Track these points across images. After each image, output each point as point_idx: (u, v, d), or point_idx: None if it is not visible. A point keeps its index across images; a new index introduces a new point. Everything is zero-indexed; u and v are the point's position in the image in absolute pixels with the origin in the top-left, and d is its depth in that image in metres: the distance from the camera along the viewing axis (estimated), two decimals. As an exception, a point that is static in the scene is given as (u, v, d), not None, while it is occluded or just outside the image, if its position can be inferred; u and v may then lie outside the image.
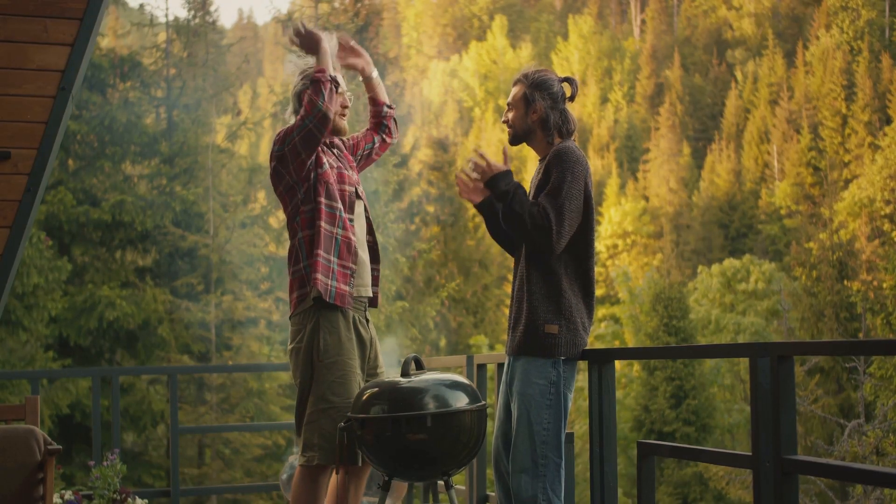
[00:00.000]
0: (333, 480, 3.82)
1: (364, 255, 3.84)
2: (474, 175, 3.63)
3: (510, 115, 3.67)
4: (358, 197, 3.86)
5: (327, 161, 3.76)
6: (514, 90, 3.67)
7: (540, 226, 3.42)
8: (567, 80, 3.67)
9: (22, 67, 4.08)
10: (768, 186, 48.25)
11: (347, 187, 3.78)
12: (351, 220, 3.76)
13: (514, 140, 3.71)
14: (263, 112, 18.66)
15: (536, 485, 3.47)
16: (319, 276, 3.62)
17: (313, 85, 3.60)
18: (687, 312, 28.77)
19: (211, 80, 16.80)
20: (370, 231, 3.91)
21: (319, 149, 3.75)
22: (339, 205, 3.71)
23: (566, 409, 3.56)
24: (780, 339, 28.41)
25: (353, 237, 3.74)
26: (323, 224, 3.65)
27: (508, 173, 3.55)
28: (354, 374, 3.68)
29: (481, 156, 3.57)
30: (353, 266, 3.73)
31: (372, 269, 3.90)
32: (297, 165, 3.66)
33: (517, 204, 3.48)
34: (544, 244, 3.44)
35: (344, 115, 3.86)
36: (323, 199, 3.68)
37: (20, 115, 4.20)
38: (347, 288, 3.69)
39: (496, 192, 3.55)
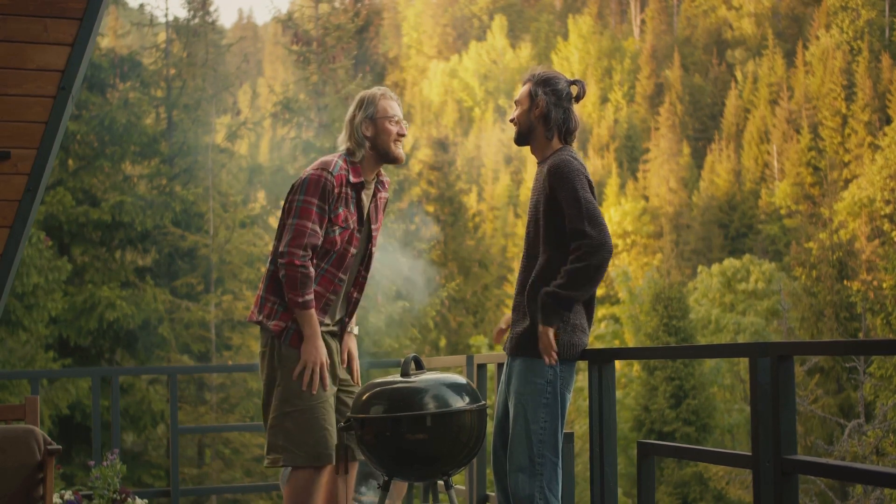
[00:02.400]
0: (326, 481, 3.82)
1: (339, 311, 3.81)
2: (552, 356, 3.52)
3: (516, 112, 3.69)
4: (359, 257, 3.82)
5: (343, 219, 3.67)
6: (522, 88, 3.69)
7: (590, 254, 3.37)
8: (575, 82, 3.67)
9: (22, 67, 4.07)
10: (768, 186, 48.26)
11: (353, 249, 3.74)
12: (341, 281, 3.73)
13: (519, 139, 3.71)
14: (263, 112, 18.68)
15: (533, 484, 3.47)
16: (283, 323, 3.63)
17: (294, 294, 3.56)
18: (687, 312, 28.78)
19: (211, 80, 16.81)
20: (359, 289, 3.86)
21: (344, 210, 3.67)
22: (324, 264, 3.68)
23: (564, 409, 3.56)
24: (780, 339, 28.40)
25: (328, 296, 3.70)
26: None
27: (550, 324, 3.47)
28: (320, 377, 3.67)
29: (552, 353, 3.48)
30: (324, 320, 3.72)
31: (344, 321, 3.86)
32: None
33: (569, 294, 3.42)
34: (606, 257, 3.40)
35: (399, 142, 3.77)
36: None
37: (20, 115, 4.20)
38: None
39: (559, 317, 3.48)
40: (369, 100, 3.74)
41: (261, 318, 3.67)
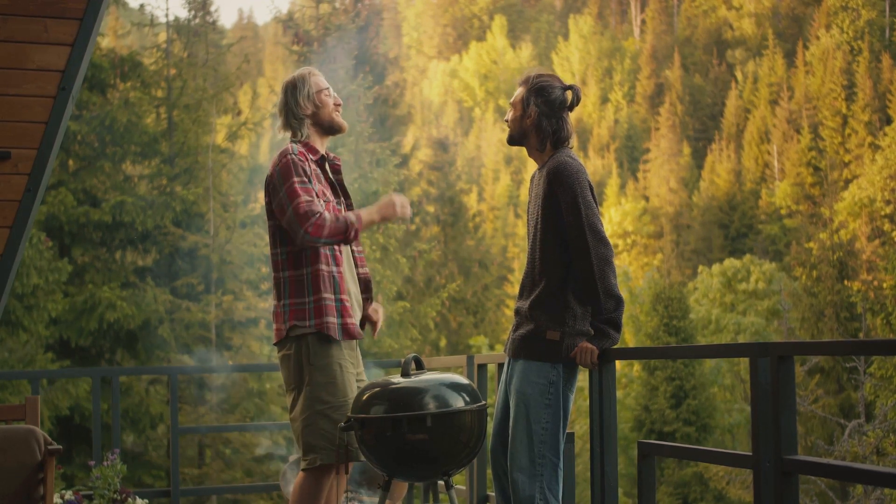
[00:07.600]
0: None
1: (354, 288, 3.85)
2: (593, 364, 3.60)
3: (510, 114, 3.70)
4: None
5: (322, 197, 3.70)
6: (518, 91, 3.69)
7: (601, 262, 3.47)
8: (570, 87, 3.64)
9: (22, 67, 4.07)
10: (768, 186, 48.26)
11: None
12: (341, 252, 3.76)
13: (511, 141, 3.74)
14: (264, 112, 18.65)
15: (534, 485, 3.47)
16: (329, 318, 3.63)
17: (341, 232, 3.60)
18: (687, 312, 28.77)
19: (211, 80, 16.80)
20: (361, 264, 3.90)
21: (319, 185, 3.71)
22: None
23: (567, 410, 3.56)
24: (780, 339, 28.40)
25: (342, 271, 3.73)
26: (322, 266, 3.66)
27: (600, 344, 3.53)
28: (349, 374, 3.68)
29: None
30: (348, 298, 3.74)
31: (364, 300, 3.89)
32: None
33: (614, 317, 3.52)
34: (610, 259, 3.50)
35: (338, 111, 3.85)
36: None
37: (20, 115, 4.20)
38: (353, 320, 3.72)
39: (613, 340, 3.55)
40: (300, 80, 3.82)
41: (292, 323, 3.65)
